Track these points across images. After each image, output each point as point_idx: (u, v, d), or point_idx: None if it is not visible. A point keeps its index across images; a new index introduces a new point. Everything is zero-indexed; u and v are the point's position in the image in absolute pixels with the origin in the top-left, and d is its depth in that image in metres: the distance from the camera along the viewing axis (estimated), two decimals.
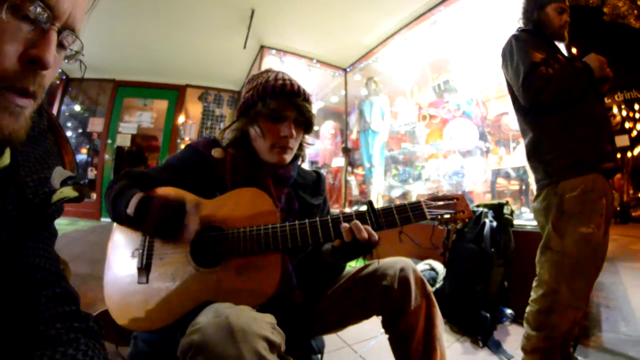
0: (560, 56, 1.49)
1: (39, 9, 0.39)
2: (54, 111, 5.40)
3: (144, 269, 0.86)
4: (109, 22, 3.86)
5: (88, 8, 0.49)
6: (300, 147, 1.10)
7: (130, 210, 0.83)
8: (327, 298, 1.03)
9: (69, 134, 5.86)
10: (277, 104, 0.97)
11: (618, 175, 1.47)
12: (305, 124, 1.04)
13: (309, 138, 1.13)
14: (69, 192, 0.52)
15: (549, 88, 1.35)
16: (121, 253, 0.92)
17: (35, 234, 0.51)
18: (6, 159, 0.46)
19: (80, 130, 5.92)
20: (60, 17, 0.42)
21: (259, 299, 0.81)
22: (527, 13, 1.59)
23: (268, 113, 0.98)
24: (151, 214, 0.81)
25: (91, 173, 5.69)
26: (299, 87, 1.00)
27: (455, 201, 0.90)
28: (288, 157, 1.02)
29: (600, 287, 2.67)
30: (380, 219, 0.87)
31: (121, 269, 0.91)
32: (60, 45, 0.44)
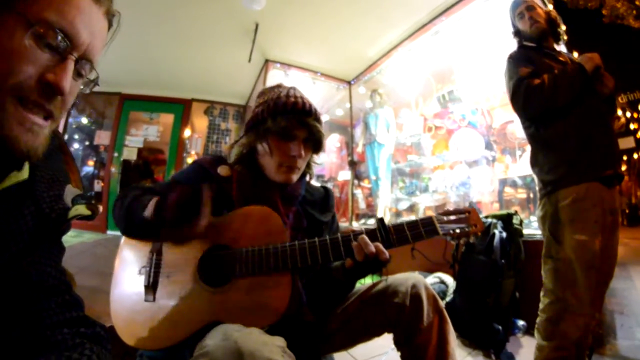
0: (553, 62, 1.48)
1: (59, 38, 0.43)
2: (62, 124, 5.45)
3: (151, 287, 0.85)
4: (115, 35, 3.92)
5: (107, 41, 0.53)
6: (308, 166, 1.09)
7: (148, 212, 0.80)
8: (338, 316, 1.01)
9: (76, 146, 5.92)
10: (288, 122, 0.96)
11: (625, 178, 1.47)
12: (315, 144, 1.03)
13: (316, 157, 1.11)
14: (83, 210, 0.56)
15: (532, 100, 1.39)
16: (128, 270, 0.92)
17: (46, 246, 0.53)
18: (25, 173, 0.49)
19: (87, 143, 5.97)
20: (79, 47, 0.46)
21: (268, 318, 0.79)
22: (513, 30, 1.65)
23: (278, 131, 0.96)
24: (170, 199, 0.79)
25: (97, 185, 5.70)
26: (310, 105, 0.99)
27: (467, 215, 0.88)
28: (295, 177, 1.01)
29: (612, 293, 2.61)
30: (392, 236, 0.85)
31: (128, 286, 0.90)
32: (78, 74, 0.48)
